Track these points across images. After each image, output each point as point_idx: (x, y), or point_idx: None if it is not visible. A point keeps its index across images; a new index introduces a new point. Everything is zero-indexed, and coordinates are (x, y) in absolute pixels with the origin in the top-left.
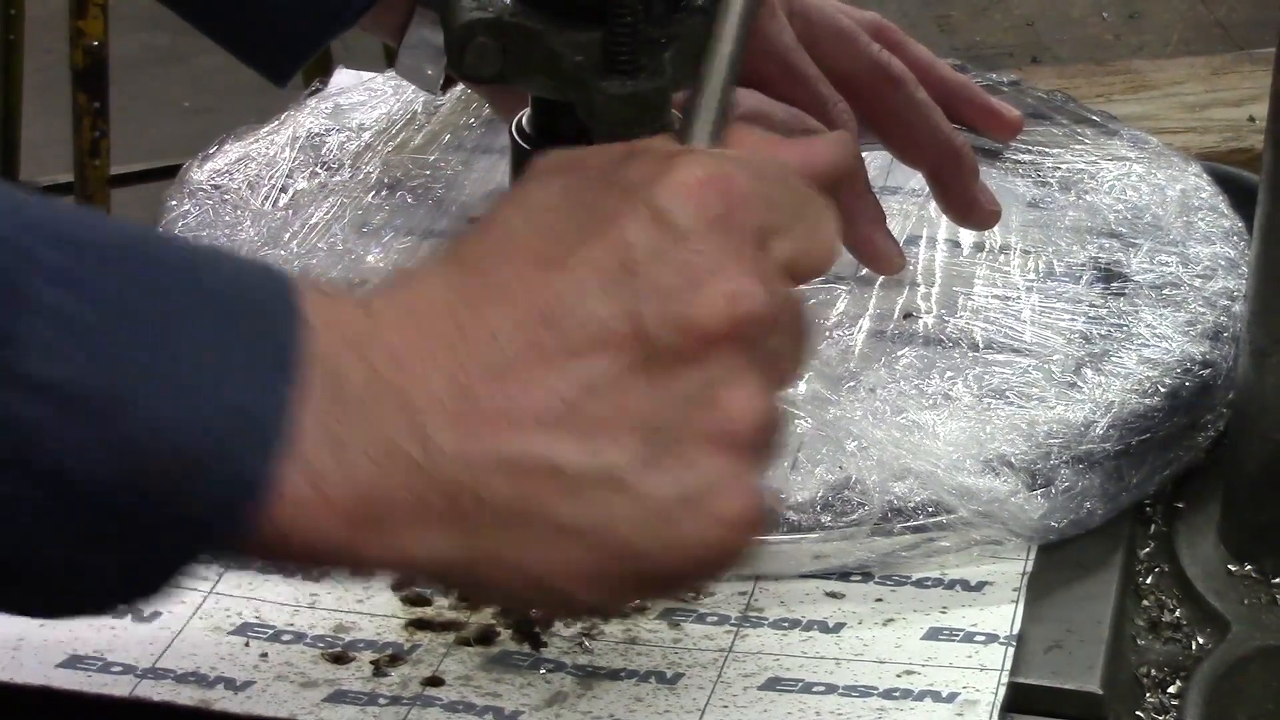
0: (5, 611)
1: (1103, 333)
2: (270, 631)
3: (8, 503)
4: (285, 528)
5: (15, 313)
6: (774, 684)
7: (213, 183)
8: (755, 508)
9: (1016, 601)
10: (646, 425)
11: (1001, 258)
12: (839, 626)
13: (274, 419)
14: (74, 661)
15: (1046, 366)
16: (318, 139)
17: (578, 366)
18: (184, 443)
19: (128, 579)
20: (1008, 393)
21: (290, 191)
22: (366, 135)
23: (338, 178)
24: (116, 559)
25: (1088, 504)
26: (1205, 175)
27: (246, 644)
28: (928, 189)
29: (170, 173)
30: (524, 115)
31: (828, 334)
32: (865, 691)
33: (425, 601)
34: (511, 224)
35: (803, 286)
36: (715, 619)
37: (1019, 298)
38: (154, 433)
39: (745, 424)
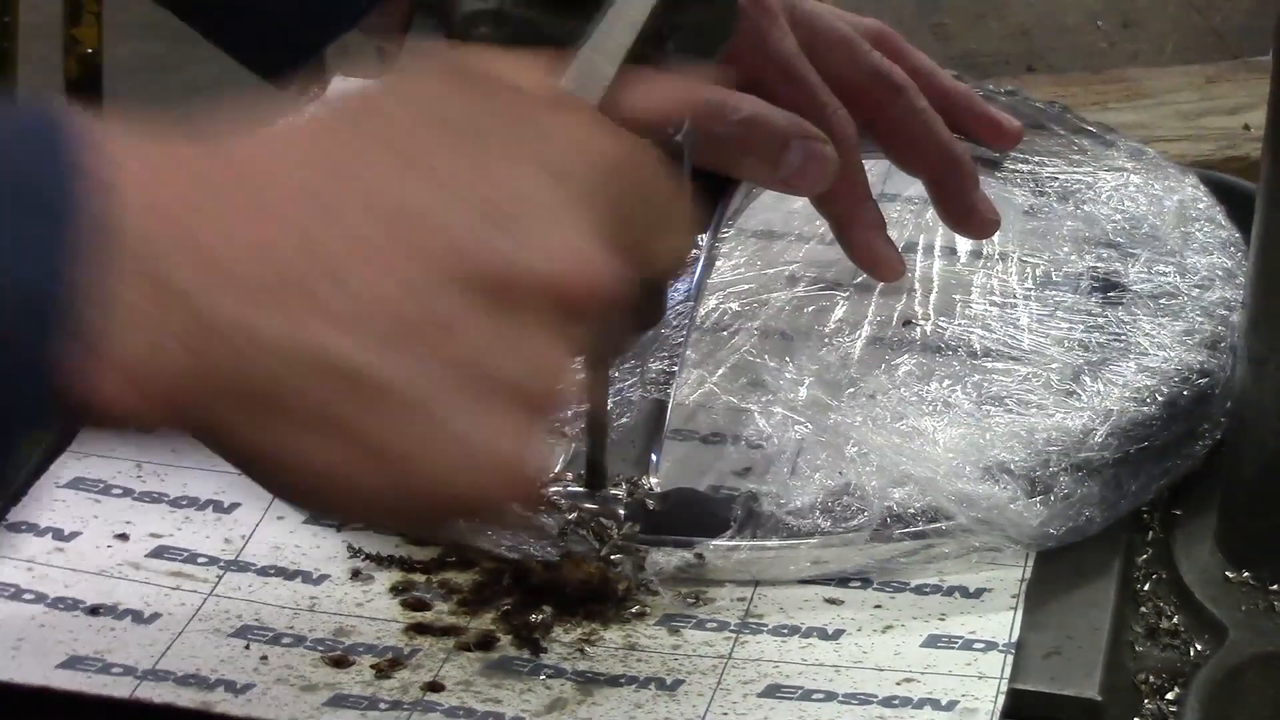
0: None
1: (1101, 341)
2: (270, 634)
3: None
4: (68, 388)
5: None
6: (773, 691)
7: None
8: (520, 463)
9: (1015, 608)
10: (455, 354)
11: (1000, 266)
12: (838, 633)
13: (37, 278)
14: (74, 662)
15: (1045, 374)
16: None
17: (415, 274)
18: None
19: None
20: (1007, 400)
21: None
22: None
23: None
24: None
25: (1086, 511)
26: (1203, 186)
27: (247, 646)
28: (926, 196)
29: None
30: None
31: (827, 340)
32: (865, 699)
33: (425, 606)
34: (395, 114)
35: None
36: (715, 625)
37: (1017, 306)
38: None
39: (541, 383)
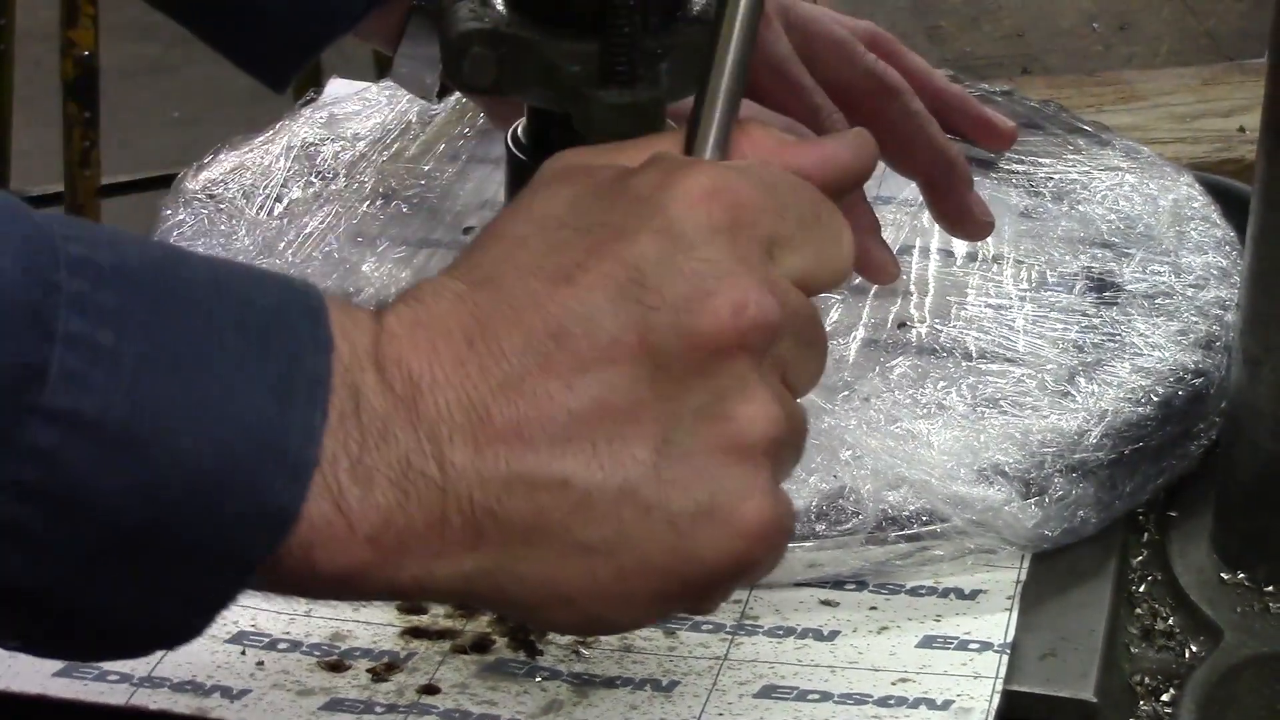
0: (43, 654)
1: (1096, 342)
2: (266, 640)
3: (33, 535)
4: (312, 555)
5: (39, 344)
6: (769, 692)
7: (208, 192)
8: (773, 516)
9: (1010, 610)
10: (658, 438)
11: (995, 267)
12: (834, 634)
13: (301, 446)
14: (70, 670)
15: (1040, 376)
16: (312, 148)
17: (587, 381)
18: (210, 473)
19: (160, 615)
20: (1001, 402)
21: (285, 201)
22: (361, 145)
23: (332, 187)
24: (147, 593)
25: (1081, 512)
26: (1197, 185)
27: (243, 652)
28: (921, 198)
29: (160, 183)
30: (519, 125)
31: None
32: (860, 699)
33: (421, 610)
34: (520, 236)
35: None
36: (710, 627)
37: (1012, 307)
38: (179, 463)
39: (756, 434)
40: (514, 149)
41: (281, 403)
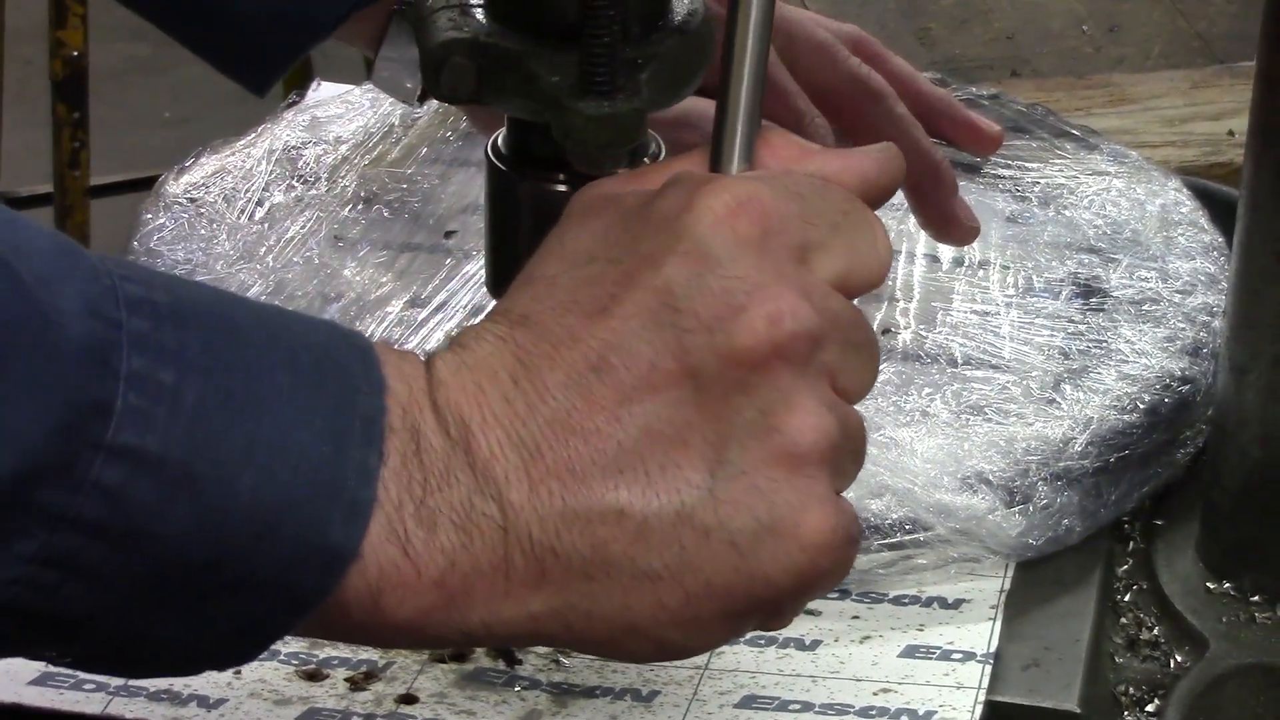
0: (93, 671)
1: (1082, 349)
2: None
3: (91, 567)
4: (378, 599)
5: (105, 381)
6: (750, 702)
7: (188, 195)
8: (836, 525)
9: (994, 619)
10: (710, 459)
11: (980, 273)
12: (815, 644)
13: (360, 487)
14: (46, 679)
15: (1025, 383)
16: (294, 152)
17: (633, 411)
18: (268, 511)
19: (213, 643)
20: (986, 409)
21: (266, 205)
22: (343, 148)
23: (314, 191)
24: (202, 623)
25: (1066, 521)
26: (1185, 190)
27: None
28: (906, 203)
29: (150, 184)
30: (499, 135)
31: None
32: (841, 710)
33: None
34: (551, 275)
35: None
36: None
37: (998, 313)
38: (237, 501)
39: (808, 444)
40: (494, 159)
41: (338, 441)
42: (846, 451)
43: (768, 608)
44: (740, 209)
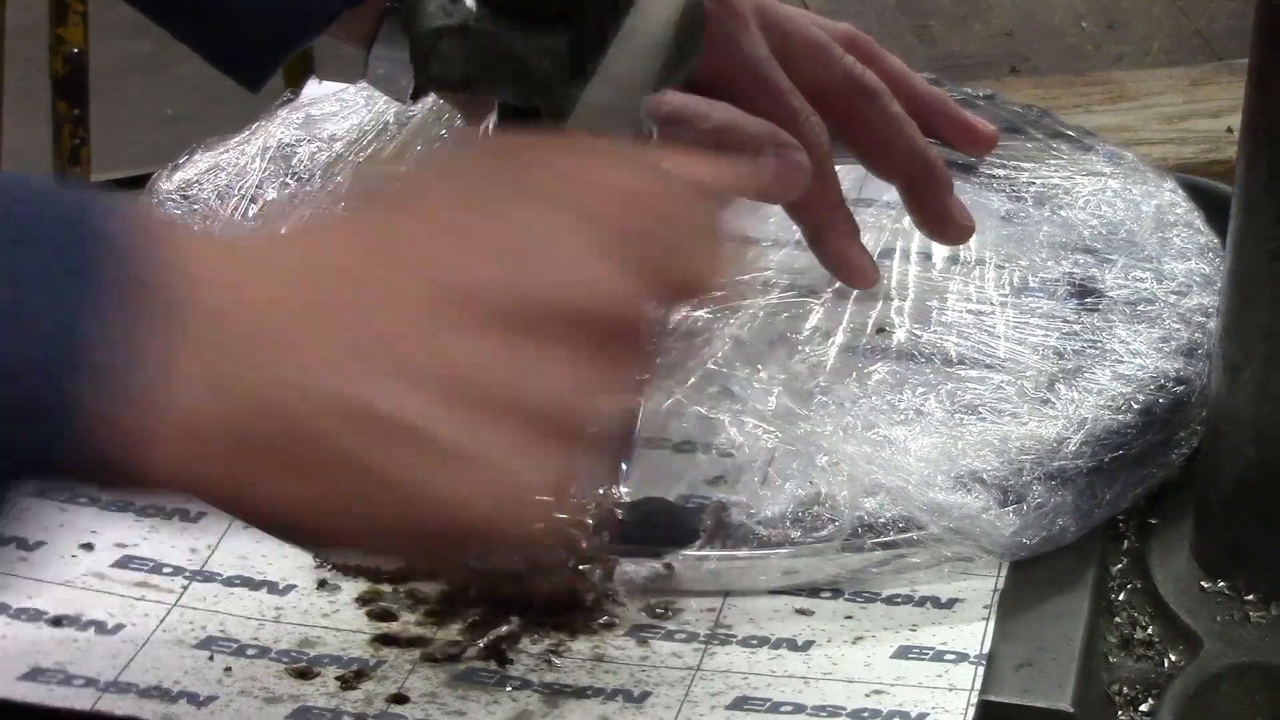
0: None
1: (1076, 349)
2: (235, 645)
3: None
4: (119, 455)
5: None
6: (742, 703)
7: (182, 192)
8: (535, 485)
9: (987, 619)
10: (463, 379)
11: (976, 272)
12: (808, 644)
13: (93, 347)
14: (35, 674)
15: (1020, 382)
16: (288, 149)
17: (431, 319)
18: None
19: None
20: (980, 408)
21: (260, 202)
22: (338, 146)
23: (308, 188)
24: None
25: (1060, 521)
26: (1181, 190)
27: (210, 658)
28: (901, 202)
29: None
30: (489, 123)
31: (800, 348)
32: (834, 711)
33: (392, 617)
34: (426, 187)
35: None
36: (684, 636)
37: (993, 313)
38: None
39: (558, 402)
40: None
41: (70, 298)
42: (584, 432)
43: (444, 535)
44: (615, 188)
